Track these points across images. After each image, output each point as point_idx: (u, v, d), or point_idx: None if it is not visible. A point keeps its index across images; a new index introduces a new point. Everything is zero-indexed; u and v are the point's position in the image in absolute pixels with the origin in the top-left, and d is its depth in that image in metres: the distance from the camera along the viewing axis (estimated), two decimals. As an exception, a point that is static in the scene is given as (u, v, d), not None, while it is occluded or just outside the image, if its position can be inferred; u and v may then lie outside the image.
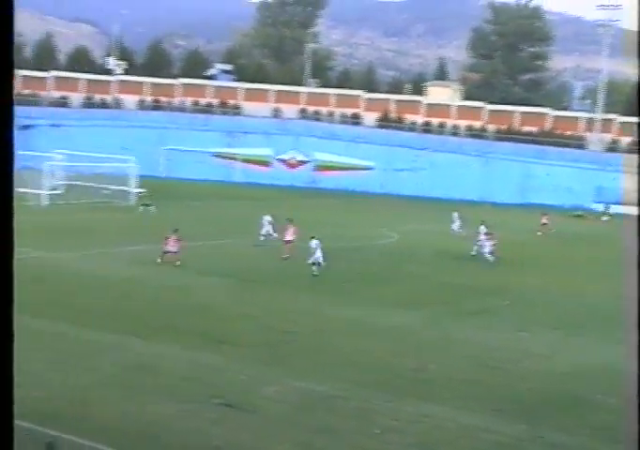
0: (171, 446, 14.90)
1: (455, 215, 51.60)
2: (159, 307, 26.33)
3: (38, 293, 27.01)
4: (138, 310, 25.64)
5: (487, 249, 40.96)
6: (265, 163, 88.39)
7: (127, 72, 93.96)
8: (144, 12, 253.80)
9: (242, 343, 22.34)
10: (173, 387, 18.19)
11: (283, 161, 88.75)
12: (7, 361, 2.73)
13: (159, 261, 34.50)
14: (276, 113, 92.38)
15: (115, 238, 41.30)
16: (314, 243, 34.50)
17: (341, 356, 21.76)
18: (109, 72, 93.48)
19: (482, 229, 43.38)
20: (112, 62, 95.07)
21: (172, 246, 34.94)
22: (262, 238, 42.71)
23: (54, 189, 57.78)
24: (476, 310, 29.03)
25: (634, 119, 76.17)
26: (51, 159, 59.56)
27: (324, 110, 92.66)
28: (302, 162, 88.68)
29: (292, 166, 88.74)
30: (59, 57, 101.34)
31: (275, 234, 42.49)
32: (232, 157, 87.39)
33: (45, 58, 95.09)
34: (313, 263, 34.12)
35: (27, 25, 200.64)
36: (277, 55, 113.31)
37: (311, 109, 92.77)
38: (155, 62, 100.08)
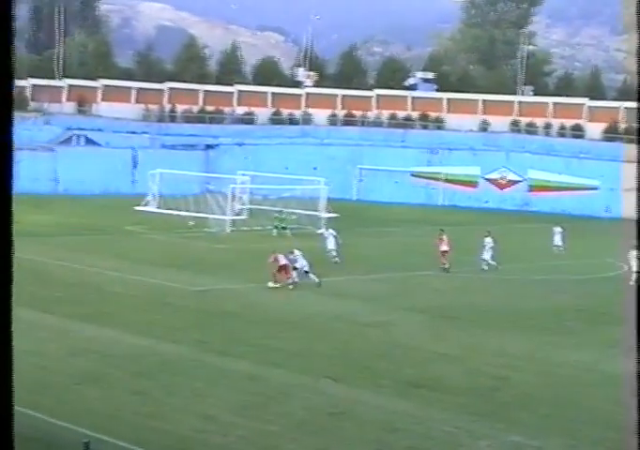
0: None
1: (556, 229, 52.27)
2: (353, 346, 26.67)
3: (221, 331, 27.99)
4: (330, 349, 26.08)
5: None
6: (471, 183, 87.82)
7: (317, 84, 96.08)
8: (338, 17, 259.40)
9: (446, 389, 22.24)
10: (370, 437, 18.33)
11: (492, 181, 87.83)
12: (6, 362, 2.93)
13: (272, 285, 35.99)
14: (484, 127, 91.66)
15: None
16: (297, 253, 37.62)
17: (565, 408, 21.22)
18: (298, 85, 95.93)
19: None
20: (301, 73, 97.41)
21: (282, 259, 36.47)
22: None
23: (238, 215, 59.76)
24: None
25: None
26: (234, 182, 61.72)
27: (540, 121, 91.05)
28: (514, 182, 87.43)
29: (502, 186, 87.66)
30: (244, 70, 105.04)
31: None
32: (433, 177, 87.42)
33: (230, 71, 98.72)
34: (307, 272, 36.85)
35: (211, 36, 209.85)
36: (485, 60, 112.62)
37: (524, 120, 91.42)
38: (348, 72, 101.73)
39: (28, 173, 73.58)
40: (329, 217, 59.90)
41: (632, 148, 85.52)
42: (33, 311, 28.40)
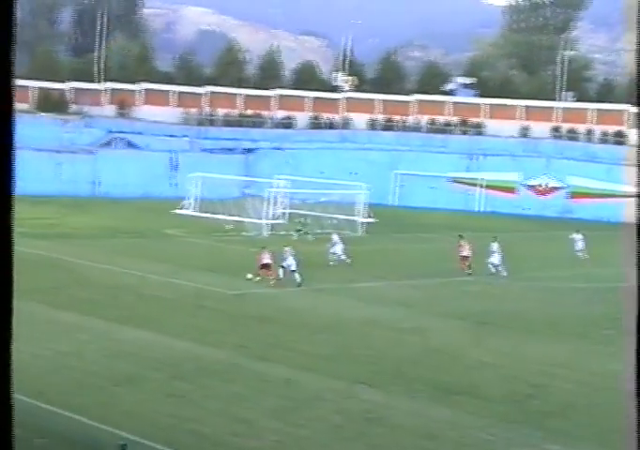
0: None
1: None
2: (388, 351, 26.66)
3: (258, 335, 28.08)
4: (366, 354, 26.07)
5: None
6: (510, 190, 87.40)
7: (356, 89, 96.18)
8: (378, 21, 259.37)
9: (482, 396, 22.17)
10: (406, 444, 18.32)
11: (532, 187, 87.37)
12: (5, 361, 3.00)
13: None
14: (524, 132, 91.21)
15: (341, 273, 42.23)
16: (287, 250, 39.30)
17: (604, 417, 21.04)
18: (337, 89, 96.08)
19: None
20: (340, 78, 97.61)
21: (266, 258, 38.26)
22: None
23: (277, 219, 59.89)
24: None
25: None
26: (273, 186, 61.87)
27: (581, 127, 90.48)
28: (555, 188, 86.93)
29: (542, 193, 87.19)
30: (284, 74, 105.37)
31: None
32: (472, 183, 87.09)
33: (269, 75, 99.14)
34: (293, 271, 38.27)
35: (252, 40, 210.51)
36: (526, 66, 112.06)
37: (565, 127, 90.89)
38: (387, 76, 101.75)
39: (69, 176, 74.37)
40: (367, 222, 59.92)
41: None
42: (73, 313, 28.68)
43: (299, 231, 55.21)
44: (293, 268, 38.35)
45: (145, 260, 41.94)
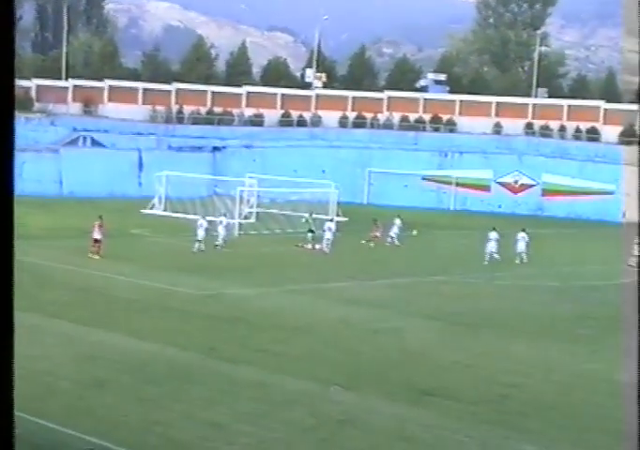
0: None
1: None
2: (362, 353, 26.63)
3: (229, 337, 27.97)
4: (339, 355, 26.04)
5: None
6: (483, 187, 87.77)
7: (326, 85, 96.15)
8: (348, 17, 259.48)
9: (457, 397, 22.18)
10: (380, 446, 18.29)
11: (505, 185, 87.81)
12: (7, 360, 2.96)
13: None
14: (497, 129, 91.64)
15: (313, 273, 42.21)
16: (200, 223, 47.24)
17: (579, 417, 21.13)
18: (307, 86, 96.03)
19: None
20: (310, 74, 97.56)
21: (96, 233, 42.83)
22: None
23: (246, 218, 59.79)
24: None
25: None
26: (242, 185, 61.74)
27: (554, 124, 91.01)
28: (527, 186, 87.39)
29: (515, 190, 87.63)
30: (253, 70, 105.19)
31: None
32: (444, 181, 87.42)
33: (238, 72, 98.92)
34: (199, 241, 46.43)
35: (219, 36, 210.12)
36: (498, 62, 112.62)
37: (538, 123, 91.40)
38: (358, 73, 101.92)
39: (32, 175, 73.74)
40: (339, 221, 59.86)
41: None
42: (39, 316, 28.42)
43: (312, 231, 52.96)
44: (199, 238, 46.15)
45: (112, 260, 41.68)
